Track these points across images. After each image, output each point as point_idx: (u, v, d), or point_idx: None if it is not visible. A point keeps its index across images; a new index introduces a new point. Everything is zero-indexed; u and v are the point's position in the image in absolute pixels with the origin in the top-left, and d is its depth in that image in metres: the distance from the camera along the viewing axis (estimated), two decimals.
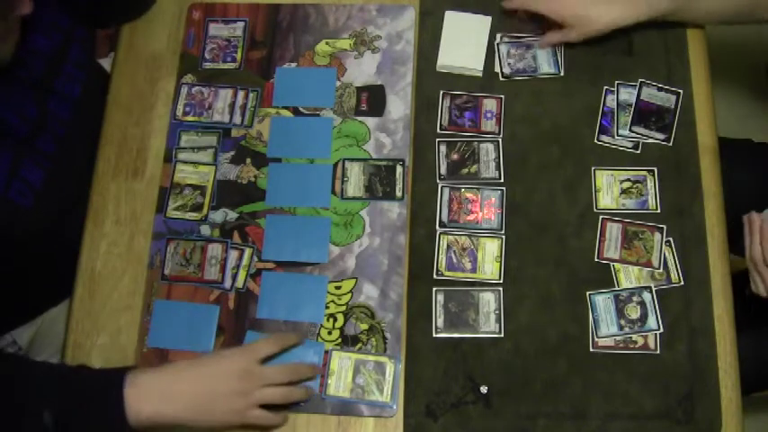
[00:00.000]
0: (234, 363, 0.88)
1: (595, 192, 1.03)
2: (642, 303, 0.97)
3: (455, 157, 1.05)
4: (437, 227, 1.02)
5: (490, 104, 1.07)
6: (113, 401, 0.82)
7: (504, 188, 1.03)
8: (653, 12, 1.02)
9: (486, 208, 1.03)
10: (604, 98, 1.07)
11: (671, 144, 1.05)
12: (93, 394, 0.84)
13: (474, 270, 1.00)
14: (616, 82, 1.08)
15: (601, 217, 1.01)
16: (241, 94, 1.10)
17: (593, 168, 1.04)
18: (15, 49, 0.89)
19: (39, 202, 0.97)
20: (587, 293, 0.98)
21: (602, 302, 0.98)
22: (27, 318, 1.13)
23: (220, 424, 0.88)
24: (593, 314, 0.97)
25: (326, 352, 0.96)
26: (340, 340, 0.97)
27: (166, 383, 0.85)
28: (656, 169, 1.03)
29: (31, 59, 0.97)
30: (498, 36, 1.11)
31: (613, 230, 1.01)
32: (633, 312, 0.97)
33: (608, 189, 1.03)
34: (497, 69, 1.09)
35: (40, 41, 0.98)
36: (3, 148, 0.94)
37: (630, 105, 1.07)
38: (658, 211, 1.02)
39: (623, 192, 1.03)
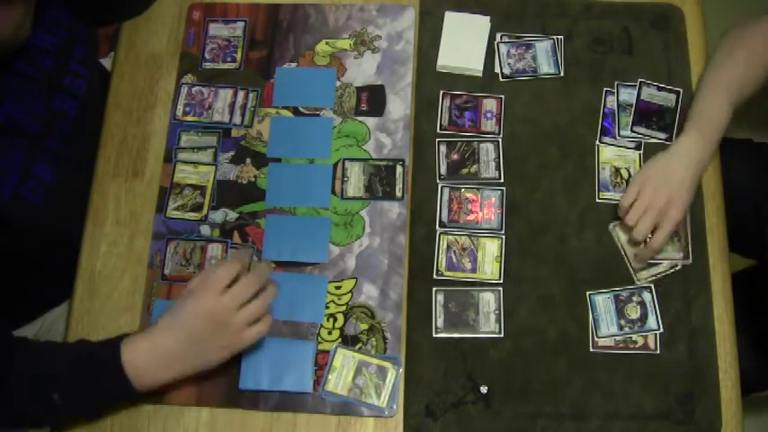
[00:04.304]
0: (200, 304, 0.86)
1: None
2: (642, 303, 0.97)
3: (455, 157, 1.05)
4: (437, 227, 1.02)
5: (490, 104, 1.07)
6: (118, 379, 0.85)
7: (504, 188, 1.03)
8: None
9: (486, 208, 1.02)
10: (604, 100, 1.07)
11: None
12: (96, 374, 0.87)
13: (474, 270, 0.99)
14: (616, 82, 1.08)
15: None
16: (241, 94, 1.10)
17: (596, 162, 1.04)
18: (24, 45, 0.90)
19: (49, 199, 0.98)
20: (587, 293, 0.98)
21: (602, 302, 0.98)
22: (29, 318, 1.13)
23: (218, 361, 0.89)
24: (593, 314, 0.97)
25: (326, 352, 0.97)
26: (340, 340, 0.97)
27: (157, 347, 0.87)
28: None
29: (40, 57, 0.97)
30: (498, 36, 1.11)
31: None
32: (633, 312, 0.97)
33: None
34: (497, 69, 1.09)
35: (46, 39, 0.99)
36: (16, 147, 0.94)
37: (631, 106, 1.07)
38: None
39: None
